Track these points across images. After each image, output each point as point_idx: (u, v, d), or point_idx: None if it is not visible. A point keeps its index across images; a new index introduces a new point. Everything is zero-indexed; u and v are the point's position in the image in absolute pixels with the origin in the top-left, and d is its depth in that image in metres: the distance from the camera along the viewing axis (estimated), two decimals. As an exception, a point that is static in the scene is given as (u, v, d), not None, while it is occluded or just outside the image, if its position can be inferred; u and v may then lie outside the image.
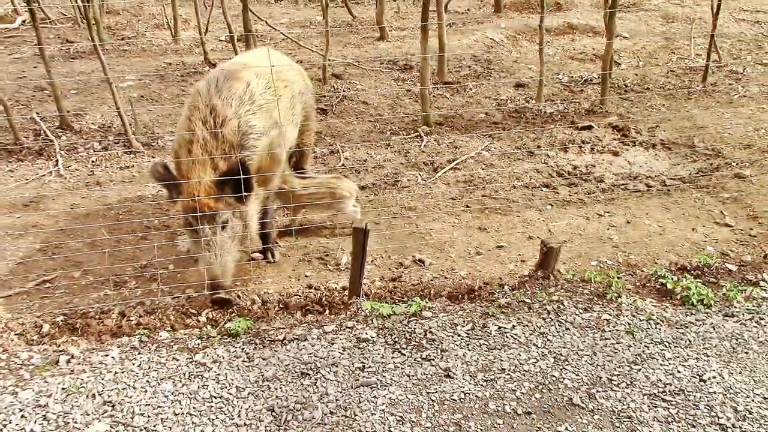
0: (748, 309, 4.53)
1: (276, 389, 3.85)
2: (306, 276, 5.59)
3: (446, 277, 5.56)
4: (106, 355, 4.24)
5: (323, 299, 5.16)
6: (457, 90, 10.04)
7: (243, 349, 4.24)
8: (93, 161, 7.52)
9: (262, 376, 3.95)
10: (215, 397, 3.79)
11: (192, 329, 4.72)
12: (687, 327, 4.36)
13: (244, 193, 4.87)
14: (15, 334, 4.69)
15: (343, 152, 7.96)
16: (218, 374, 3.98)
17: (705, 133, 8.22)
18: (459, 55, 11.45)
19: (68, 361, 4.19)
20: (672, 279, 4.83)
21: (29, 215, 6.41)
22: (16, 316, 4.99)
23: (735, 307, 4.57)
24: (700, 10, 14.00)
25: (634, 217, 6.42)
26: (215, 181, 4.81)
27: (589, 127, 8.45)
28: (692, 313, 4.51)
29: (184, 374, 3.99)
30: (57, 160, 7.45)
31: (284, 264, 5.80)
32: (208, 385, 3.88)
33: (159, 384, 3.91)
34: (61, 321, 4.93)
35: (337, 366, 4.03)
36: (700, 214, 6.45)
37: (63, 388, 3.89)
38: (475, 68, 11.00)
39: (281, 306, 5.10)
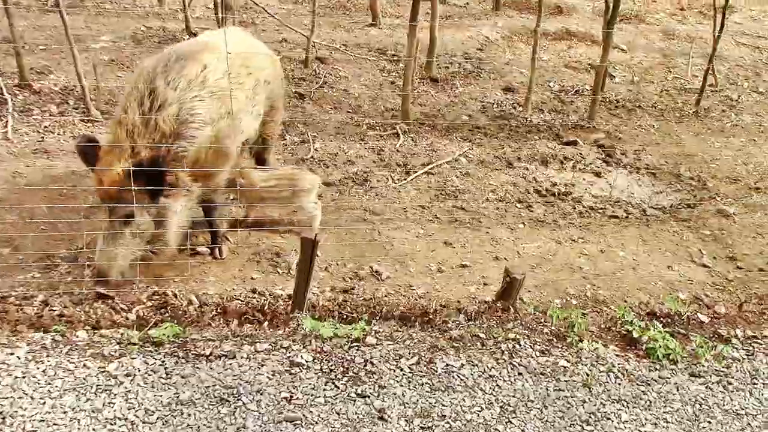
0: (716, 370, 4.20)
1: (189, 416, 3.46)
2: (252, 278, 5.20)
3: (402, 295, 5.20)
4: (11, 354, 3.83)
5: (266, 307, 4.78)
6: (444, 87, 9.63)
7: (163, 362, 3.84)
8: (45, 126, 7.06)
9: (178, 398, 3.57)
10: (119, 419, 3.40)
11: (117, 328, 4.32)
12: (649, 384, 4.02)
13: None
14: None
15: (314, 143, 7.54)
16: (129, 391, 3.58)
17: (692, 162, 7.89)
18: (451, 50, 11.03)
19: (-39, 360, 3.78)
20: (639, 326, 4.49)
21: (-36, 181, 5.97)
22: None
23: (702, 365, 4.24)
24: (702, 28, 13.63)
25: (608, 246, 6.07)
26: (125, 171, 4.41)
27: (574, 143, 8.08)
28: (656, 369, 4.17)
29: (91, 387, 3.59)
30: (7, 122, 6.98)
31: (231, 262, 5.40)
32: (114, 403, 3.49)
33: (61, 396, 3.51)
34: (-25, 305, 4.52)
35: (262, 394, 3.65)
36: (678, 250, 6.11)
37: (-47, 392, 3.49)
38: (465, 66, 10.58)
39: (219, 311, 4.72)
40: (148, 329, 4.22)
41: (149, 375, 3.72)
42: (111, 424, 3.36)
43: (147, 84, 4.68)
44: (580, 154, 7.80)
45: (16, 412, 3.37)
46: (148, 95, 4.57)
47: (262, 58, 5.61)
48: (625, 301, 5.26)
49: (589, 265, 5.75)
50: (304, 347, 4.08)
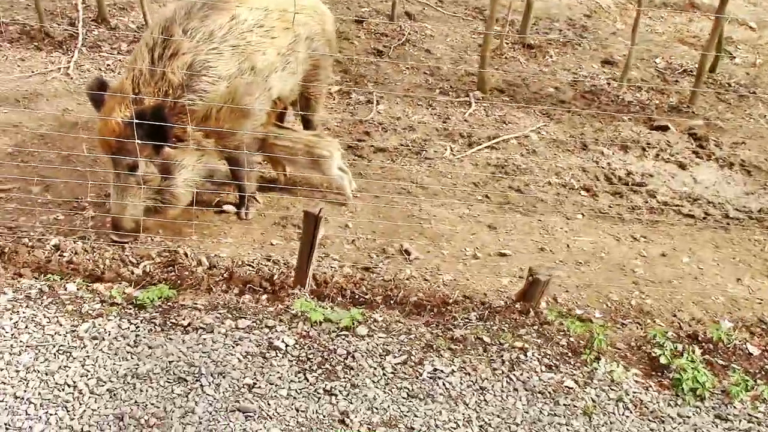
0: (749, 415, 3.63)
1: (140, 392, 3.27)
2: (272, 244, 4.96)
3: (426, 279, 4.84)
4: (-7, 301, 3.76)
5: (275, 277, 4.54)
6: (536, 55, 8.98)
7: (137, 327, 3.67)
8: (108, 64, 7.02)
9: (136, 370, 3.38)
10: (68, 386, 3.25)
11: (114, 283, 4.19)
12: (663, 422, 3.52)
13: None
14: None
15: (378, 104, 7.18)
16: (88, 356, 3.43)
17: (798, 162, 7.01)
18: (554, 15, 10.30)
19: (-59, 301, 3.72)
20: (670, 350, 3.94)
21: (15, 113, 5.99)
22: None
23: (734, 407, 3.67)
24: None
25: (673, 249, 5.46)
26: (125, 121, 4.22)
27: (665, 128, 7.34)
28: (677, 404, 3.65)
29: (53, 347, 3.46)
30: (72, 57, 6.98)
31: (256, 224, 5.18)
32: (69, 368, 3.34)
33: (20, 354, 3.40)
34: (-11, 242, 4.51)
35: (224, 377, 3.41)
36: (755, 262, 5.43)
37: None
38: (565, 33, 9.85)
39: (225, 276, 4.52)
40: (141, 287, 4.07)
41: (117, 341, 3.55)
42: (59, 390, 3.22)
43: (162, 31, 4.47)
44: (668, 141, 7.06)
45: (-32, 365, 3.28)
46: (162, 42, 4.36)
47: (305, 12, 5.26)
48: (675, 316, 4.71)
49: (644, 269, 5.19)
50: (289, 329, 3.82)
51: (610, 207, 5.96)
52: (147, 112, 4.15)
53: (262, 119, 5.04)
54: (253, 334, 3.73)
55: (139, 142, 4.22)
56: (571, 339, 4.02)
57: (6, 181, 5.20)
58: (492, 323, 4.07)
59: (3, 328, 3.53)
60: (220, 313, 3.87)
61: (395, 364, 3.64)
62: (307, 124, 5.93)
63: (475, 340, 3.90)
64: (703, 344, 4.15)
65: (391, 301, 4.51)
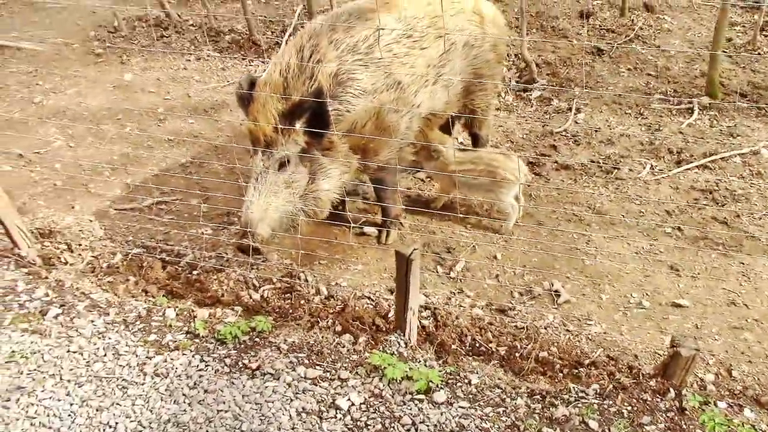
0: None
1: (166, 446, 3.07)
2: (403, 274, 4.55)
3: (569, 330, 4.12)
4: (92, 322, 3.80)
5: (390, 314, 4.14)
6: (802, 49, 7.45)
7: (206, 367, 3.48)
8: (300, 73, 7.02)
9: (179, 417, 3.18)
10: (109, 428, 3.13)
11: (218, 308, 4.07)
12: None
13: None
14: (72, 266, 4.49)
15: (577, 112, 6.37)
16: (142, 395, 3.29)
17: None
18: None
19: (56, 316, 3.84)
20: None
21: (199, 122, 6.19)
22: (105, 238, 4.84)
23: None
24: None
25: None
26: (284, 110, 3.96)
27: None
28: None
29: (117, 380, 3.38)
30: (267, 65, 7.08)
31: (392, 250, 4.78)
32: (119, 406, 3.22)
33: (83, 385, 3.35)
34: (134, 254, 4.65)
35: (261, 438, 3.10)
36: None
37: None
38: None
39: (338, 309, 4.20)
40: (250, 315, 3.92)
41: (178, 380, 3.39)
42: (98, 430, 3.12)
43: (310, 38, 4.22)
44: None
45: (33, 391, 3.31)
46: (309, 47, 4.12)
47: (461, 16, 4.71)
48: None
49: None
50: (362, 384, 3.38)
51: None
52: (311, 99, 3.88)
53: (409, 138, 4.63)
54: (320, 386, 3.36)
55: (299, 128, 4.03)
56: (712, 437, 3.11)
57: (171, 192, 5.36)
58: (611, 402, 3.28)
59: (82, 355, 3.54)
60: (298, 357, 3.55)
61: (463, 446, 3.06)
62: (475, 139, 5.40)
63: (578, 425, 3.16)
64: None
65: (516, 354, 3.90)
